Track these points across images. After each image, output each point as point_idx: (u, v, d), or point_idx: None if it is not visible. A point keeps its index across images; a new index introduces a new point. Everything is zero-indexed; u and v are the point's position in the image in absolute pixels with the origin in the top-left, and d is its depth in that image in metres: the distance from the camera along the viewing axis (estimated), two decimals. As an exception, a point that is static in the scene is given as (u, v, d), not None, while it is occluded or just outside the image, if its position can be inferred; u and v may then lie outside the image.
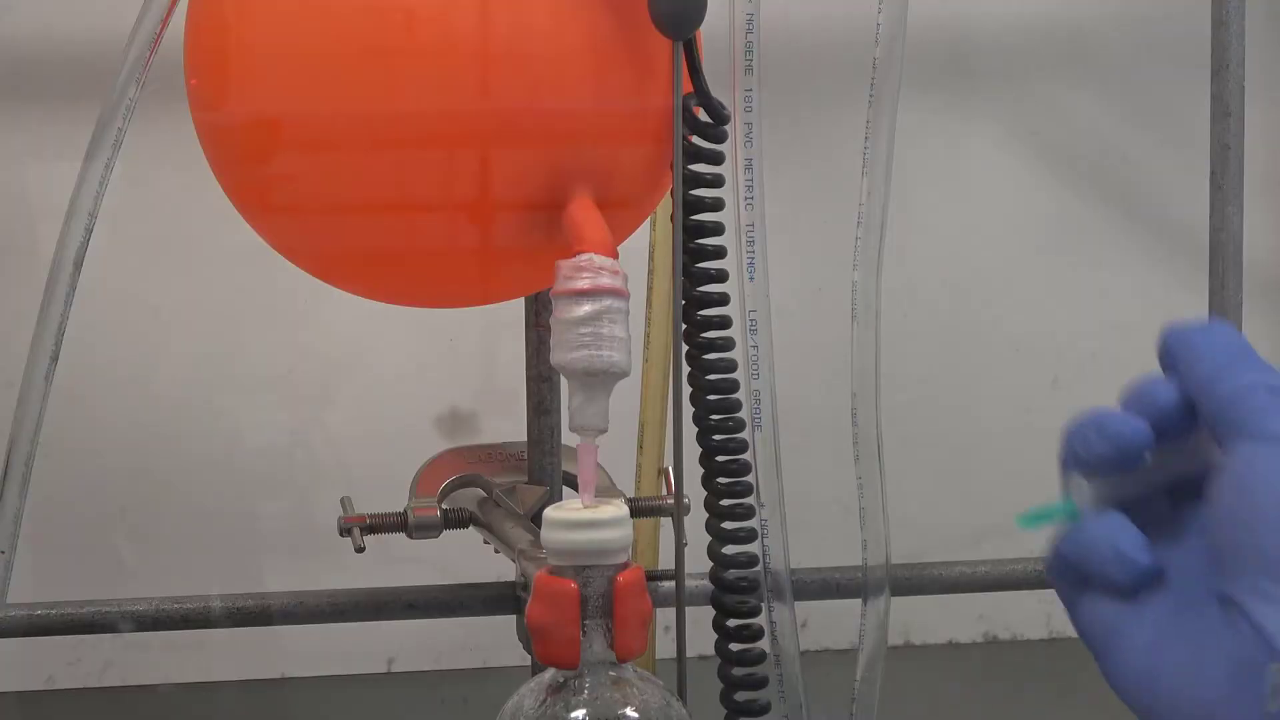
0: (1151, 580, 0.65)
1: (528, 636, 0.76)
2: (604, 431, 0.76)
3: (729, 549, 0.85)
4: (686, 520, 0.88)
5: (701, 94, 0.81)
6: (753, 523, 0.85)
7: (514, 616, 1.00)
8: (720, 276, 0.85)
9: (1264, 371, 0.65)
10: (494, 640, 1.31)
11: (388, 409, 1.49)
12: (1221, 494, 0.63)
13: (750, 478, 0.85)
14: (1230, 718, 0.62)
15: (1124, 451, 0.66)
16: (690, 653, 0.83)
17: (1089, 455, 0.66)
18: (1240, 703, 0.61)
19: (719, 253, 0.83)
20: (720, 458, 0.83)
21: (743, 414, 0.84)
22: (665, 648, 1.04)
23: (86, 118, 0.97)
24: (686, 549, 0.86)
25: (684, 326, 0.82)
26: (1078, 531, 0.66)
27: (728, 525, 0.84)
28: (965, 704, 1.53)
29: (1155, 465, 0.66)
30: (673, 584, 0.86)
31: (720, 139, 0.82)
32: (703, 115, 0.82)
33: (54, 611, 1.02)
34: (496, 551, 0.99)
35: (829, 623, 1.50)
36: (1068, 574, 0.67)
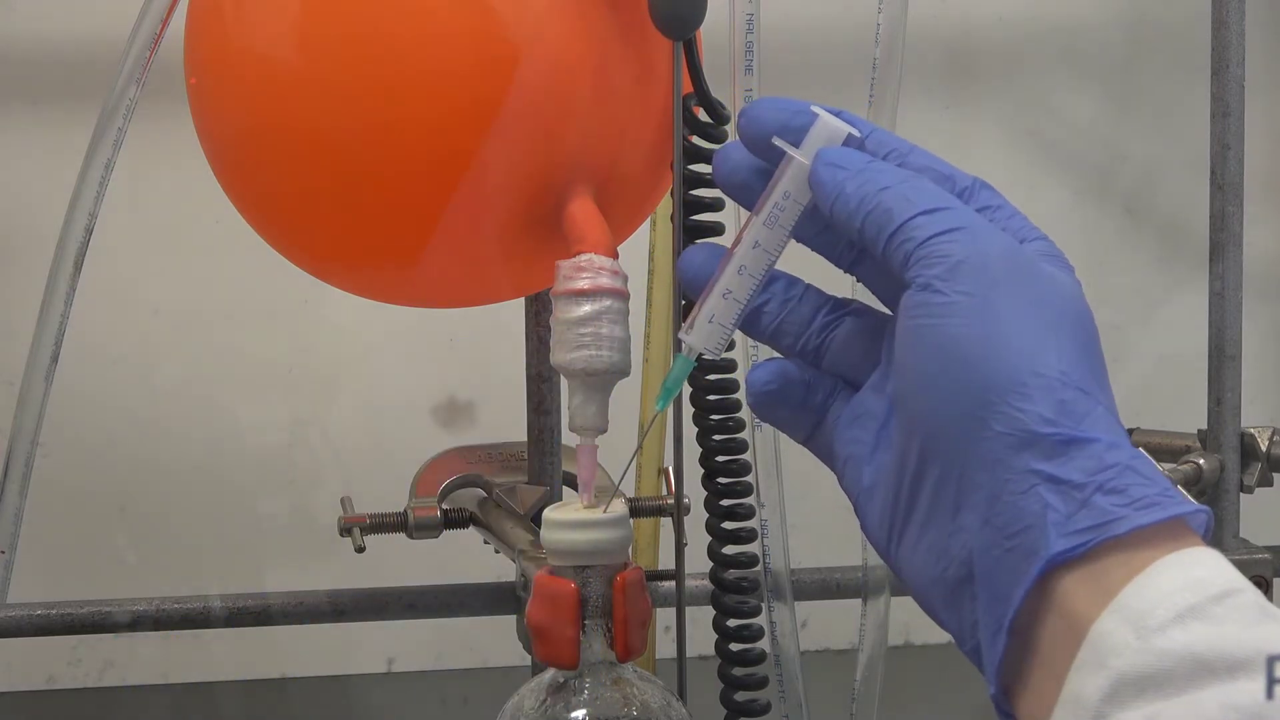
0: (810, 406, 0.67)
1: (528, 636, 0.76)
2: (604, 431, 0.76)
3: (729, 549, 0.85)
4: (686, 520, 0.88)
5: (701, 94, 0.81)
6: (753, 523, 0.85)
7: (514, 616, 1.00)
8: (720, 276, 0.85)
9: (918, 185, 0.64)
10: (494, 640, 1.31)
11: (388, 409, 1.49)
12: (897, 348, 0.63)
13: (750, 478, 0.85)
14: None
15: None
16: (690, 653, 0.83)
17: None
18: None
19: (719, 252, 0.83)
20: (720, 458, 0.83)
21: (743, 414, 0.84)
22: (665, 648, 1.04)
23: (86, 118, 0.97)
24: (686, 549, 0.86)
25: (684, 326, 0.82)
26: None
27: (728, 525, 0.84)
28: (965, 704, 1.52)
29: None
30: (673, 584, 0.85)
31: (720, 139, 0.82)
32: (703, 115, 0.82)
33: (54, 611, 1.02)
34: (497, 551, 0.99)
35: (829, 623, 1.50)
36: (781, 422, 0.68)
